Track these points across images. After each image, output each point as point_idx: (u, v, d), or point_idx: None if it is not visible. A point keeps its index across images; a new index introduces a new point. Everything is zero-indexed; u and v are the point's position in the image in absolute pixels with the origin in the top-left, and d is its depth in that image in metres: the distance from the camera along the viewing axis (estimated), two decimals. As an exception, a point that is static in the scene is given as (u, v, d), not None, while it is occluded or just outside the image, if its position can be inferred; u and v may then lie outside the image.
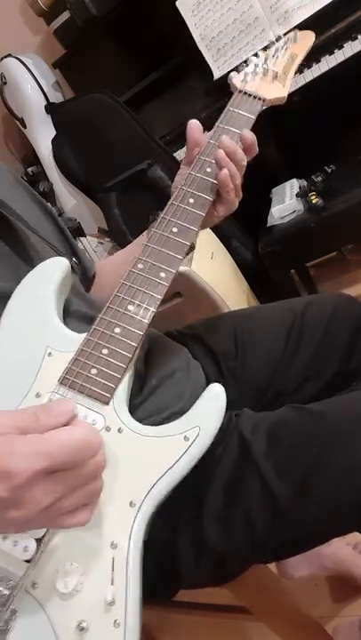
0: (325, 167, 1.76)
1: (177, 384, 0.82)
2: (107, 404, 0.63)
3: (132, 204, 1.91)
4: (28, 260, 0.78)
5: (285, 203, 1.72)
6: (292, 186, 1.79)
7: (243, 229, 1.91)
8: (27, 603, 0.55)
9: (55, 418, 0.51)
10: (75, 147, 2.00)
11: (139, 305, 0.68)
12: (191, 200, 0.77)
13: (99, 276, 0.97)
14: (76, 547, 0.57)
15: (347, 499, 0.68)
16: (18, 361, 0.66)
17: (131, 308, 0.68)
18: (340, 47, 1.62)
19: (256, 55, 0.91)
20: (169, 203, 0.76)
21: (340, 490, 0.68)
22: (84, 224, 1.84)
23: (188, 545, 0.71)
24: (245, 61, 0.91)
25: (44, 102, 2.06)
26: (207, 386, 0.86)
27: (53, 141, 2.05)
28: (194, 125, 0.82)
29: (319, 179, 1.71)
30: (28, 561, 0.55)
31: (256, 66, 0.89)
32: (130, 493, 0.60)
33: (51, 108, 2.05)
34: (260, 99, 0.85)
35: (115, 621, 0.54)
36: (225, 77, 1.77)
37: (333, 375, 0.90)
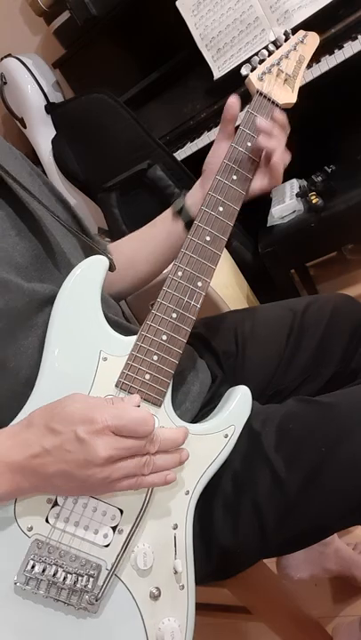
0: (325, 167, 1.76)
1: (187, 383, 0.83)
2: (159, 406, 0.70)
3: (132, 203, 1.91)
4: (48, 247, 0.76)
5: (285, 203, 1.72)
6: (292, 186, 1.79)
7: (243, 229, 1.91)
8: (110, 579, 0.65)
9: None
10: (75, 147, 2.00)
11: (182, 314, 0.73)
12: (234, 177, 0.79)
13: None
14: (146, 531, 0.68)
15: (353, 491, 0.69)
16: (73, 364, 0.69)
17: (174, 315, 0.72)
18: (340, 47, 1.61)
19: (268, 50, 0.89)
20: (215, 179, 0.79)
21: (346, 482, 0.69)
22: (84, 224, 1.84)
23: (197, 538, 0.71)
24: (256, 53, 0.89)
25: (44, 102, 2.06)
26: (211, 384, 0.87)
27: (53, 141, 2.05)
28: (235, 102, 0.84)
29: (319, 179, 1.70)
30: (106, 546, 0.66)
31: (272, 65, 0.88)
32: (185, 484, 0.70)
33: (51, 107, 2.05)
34: (275, 104, 0.86)
35: (181, 585, 0.68)
36: (225, 77, 1.78)
37: (333, 375, 0.90)
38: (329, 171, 1.74)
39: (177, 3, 1.72)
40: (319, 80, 1.65)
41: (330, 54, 1.62)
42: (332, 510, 0.70)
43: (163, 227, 0.92)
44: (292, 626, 0.97)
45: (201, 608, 1.04)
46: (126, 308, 1.73)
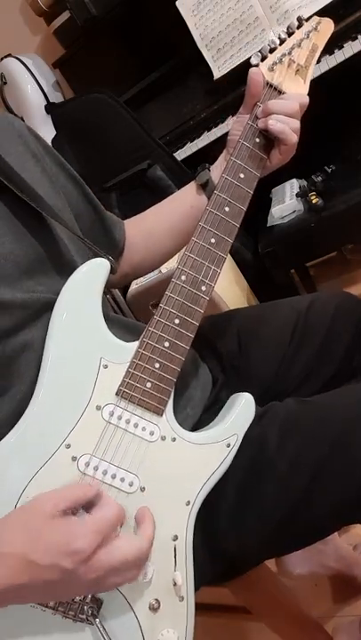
0: (325, 167, 1.76)
1: (189, 388, 0.82)
2: (161, 415, 0.68)
3: (133, 204, 1.91)
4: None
5: (285, 203, 1.72)
6: (292, 186, 1.79)
7: (243, 229, 1.90)
8: (110, 593, 0.63)
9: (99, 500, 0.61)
10: (75, 147, 2.00)
11: (185, 320, 0.70)
12: (242, 175, 0.78)
13: (135, 241, 0.94)
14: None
15: (354, 489, 0.69)
16: (73, 372, 0.66)
17: (177, 321, 0.70)
18: (340, 47, 1.61)
19: (279, 38, 0.85)
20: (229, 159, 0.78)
21: (348, 480, 0.69)
22: (84, 224, 1.84)
23: (200, 545, 0.70)
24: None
25: (44, 102, 2.06)
26: (212, 386, 0.86)
27: (53, 141, 2.04)
28: (258, 76, 0.81)
29: (319, 179, 1.70)
30: None
31: (283, 55, 0.83)
32: (186, 494, 0.68)
33: (51, 107, 2.05)
34: None
35: (180, 597, 0.66)
36: (225, 77, 1.78)
37: (335, 373, 0.90)
38: (329, 171, 1.75)
39: (177, 3, 1.72)
40: (319, 80, 1.65)
41: (330, 54, 1.62)
42: (334, 509, 0.70)
43: (185, 200, 0.91)
44: (292, 626, 0.97)
45: (201, 608, 1.04)
46: (126, 307, 1.73)
